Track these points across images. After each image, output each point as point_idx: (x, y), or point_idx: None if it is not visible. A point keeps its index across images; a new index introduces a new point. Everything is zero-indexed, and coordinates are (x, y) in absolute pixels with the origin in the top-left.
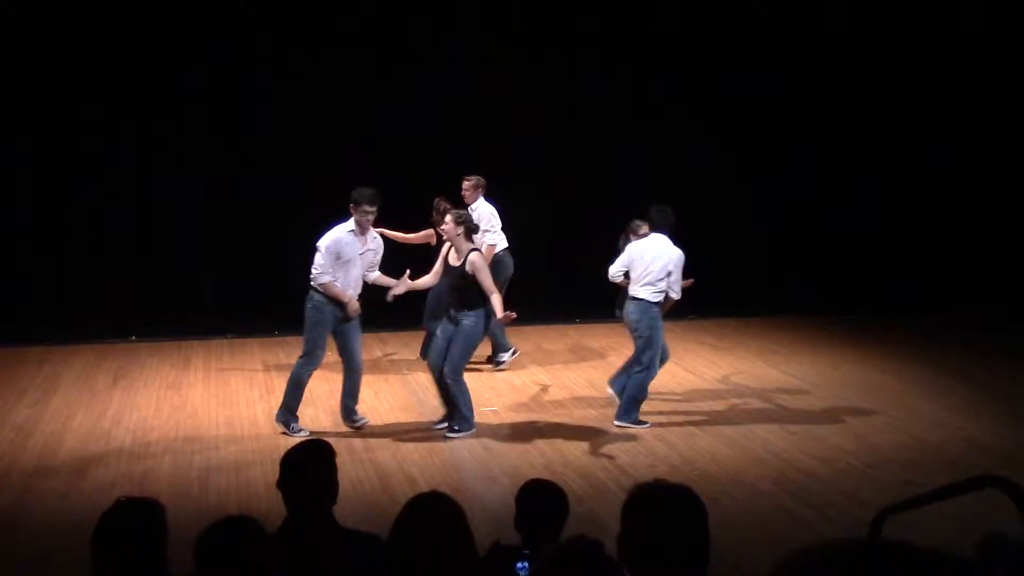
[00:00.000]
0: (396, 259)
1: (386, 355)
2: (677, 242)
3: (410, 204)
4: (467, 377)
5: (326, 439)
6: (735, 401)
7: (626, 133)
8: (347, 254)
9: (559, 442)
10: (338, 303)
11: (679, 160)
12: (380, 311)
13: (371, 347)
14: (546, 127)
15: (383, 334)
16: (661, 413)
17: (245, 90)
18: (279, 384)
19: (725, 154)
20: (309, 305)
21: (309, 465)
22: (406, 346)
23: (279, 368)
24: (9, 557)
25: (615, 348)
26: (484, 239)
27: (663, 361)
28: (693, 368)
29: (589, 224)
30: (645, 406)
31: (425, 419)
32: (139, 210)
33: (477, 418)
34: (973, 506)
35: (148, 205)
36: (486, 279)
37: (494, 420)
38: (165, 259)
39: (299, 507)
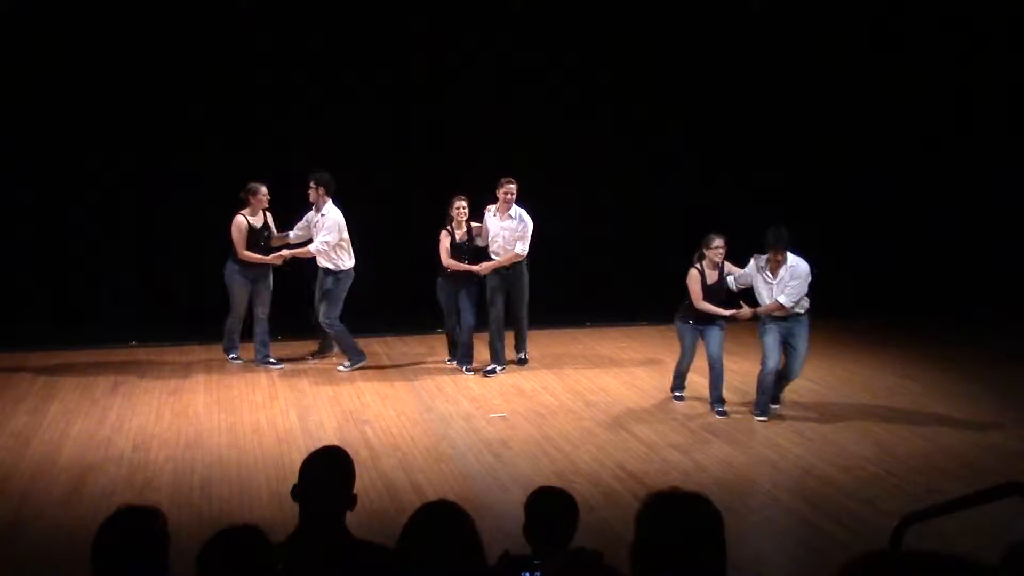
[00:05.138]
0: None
1: (391, 360)
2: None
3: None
4: (475, 383)
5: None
6: (750, 406)
7: (628, 135)
8: None
9: (569, 449)
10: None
11: (682, 162)
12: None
13: (375, 351)
14: (553, 129)
15: (388, 338)
16: (674, 420)
17: (245, 98)
18: (281, 390)
19: (728, 155)
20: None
21: (328, 471)
22: (413, 350)
23: (282, 374)
24: (8, 565)
25: (626, 353)
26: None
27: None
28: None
29: (600, 228)
30: (652, 411)
31: (433, 426)
32: (139, 214)
33: (487, 424)
34: (996, 513)
35: (148, 209)
36: None
37: (504, 426)
38: (165, 264)
39: (312, 514)
